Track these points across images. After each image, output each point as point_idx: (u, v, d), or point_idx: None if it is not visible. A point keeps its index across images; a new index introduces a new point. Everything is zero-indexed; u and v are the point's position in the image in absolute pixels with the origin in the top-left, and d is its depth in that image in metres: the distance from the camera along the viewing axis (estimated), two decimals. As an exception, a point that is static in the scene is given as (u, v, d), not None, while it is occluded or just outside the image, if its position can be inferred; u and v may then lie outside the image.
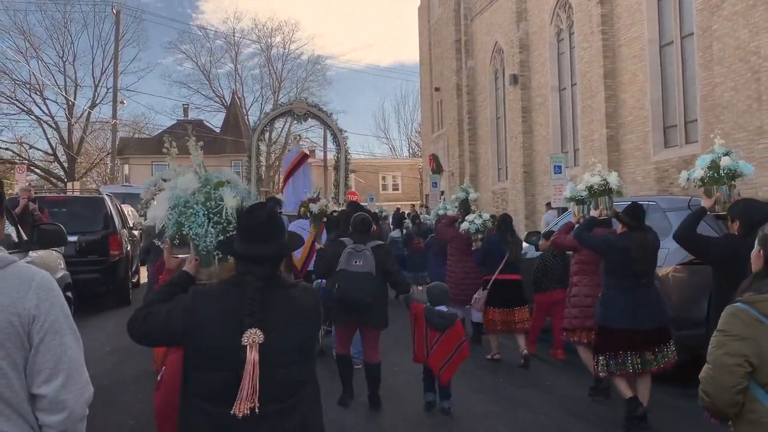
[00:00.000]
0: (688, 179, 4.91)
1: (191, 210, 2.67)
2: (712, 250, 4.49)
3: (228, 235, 2.62)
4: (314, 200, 8.67)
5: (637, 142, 14.98)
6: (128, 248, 11.20)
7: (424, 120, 32.36)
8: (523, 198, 20.36)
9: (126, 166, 43.34)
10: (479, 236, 8.01)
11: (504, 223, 7.66)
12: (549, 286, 7.40)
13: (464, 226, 8.21)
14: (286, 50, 52.08)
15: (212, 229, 2.66)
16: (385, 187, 49.58)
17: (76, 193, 17.66)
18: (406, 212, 18.51)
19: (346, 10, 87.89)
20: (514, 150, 21.25)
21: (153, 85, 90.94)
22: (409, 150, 60.66)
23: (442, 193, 23.82)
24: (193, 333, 2.21)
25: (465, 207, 9.04)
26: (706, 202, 4.71)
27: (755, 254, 2.35)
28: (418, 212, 16.75)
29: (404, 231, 12.32)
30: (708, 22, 12.13)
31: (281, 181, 15.95)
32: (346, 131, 16.71)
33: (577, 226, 5.84)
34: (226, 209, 2.67)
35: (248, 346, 2.13)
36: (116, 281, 10.55)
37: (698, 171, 4.75)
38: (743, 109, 10.40)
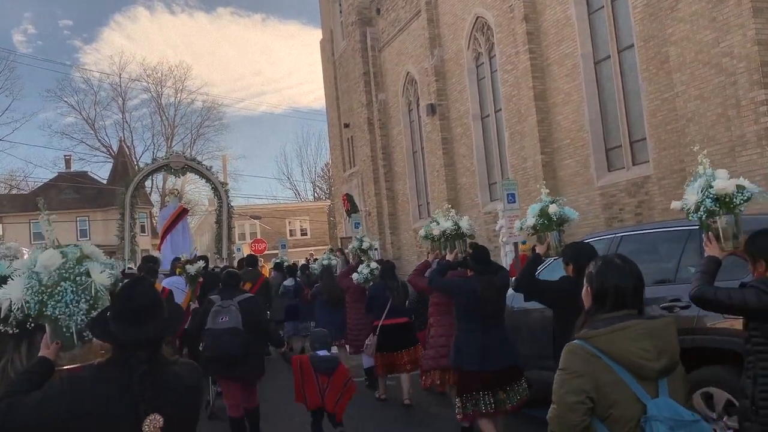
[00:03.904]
0: (521, 228, 5.15)
1: (58, 288, 2.48)
2: (550, 296, 4.62)
3: (96, 312, 2.45)
4: (191, 261, 8.71)
5: (576, 167, 13.73)
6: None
7: (334, 158, 30.50)
8: (450, 235, 18.75)
9: (-1, 225, 38.83)
10: (369, 284, 8.41)
11: (385, 270, 8.06)
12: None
13: (354, 276, 8.72)
14: (179, 96, 49.43)
15: (82, 308, 2.49)
16: (293, 233, 47.05)
17: None
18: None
19: (235, 59, 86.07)
20: (436, 184, 19.73)
21: (32, 137, 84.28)
22: (314, 194, 58.69)
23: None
24: (74, 422, 2.07)
25: (363, 256, 9.51)
26: (540, 249, 4.86)
27: (585, 292, 2.40)
28: (308, 262, 16.61)
29: (297, 279, 12.27)
30: (653, 31, 11.07)
31: (159, 237, 14.69)
32: (226, 185, 16.63)
33: (431, 269, 6.17)
34: (95, 285, 2.53)
35: None
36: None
37: (530, 219, 4.96)
38: (714, 120, 9.20)
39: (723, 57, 8.83)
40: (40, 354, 2.42)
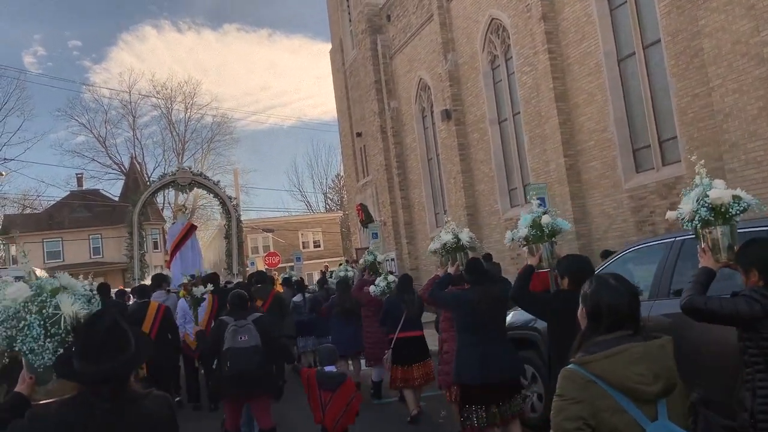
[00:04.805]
0: (513, 240, 5.07)
1: (24, 322, 2.41)
2: (544, 308, 4.55)
3: (66, 347, 2.36)
4: (196, 284, 8.42)
5: (602, 170, 13.20)
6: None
7: (347, 168, 30.10)
8: (469, 243, 18.21)
9: (13, 246, 38.70)
10: (386, 297, 8.35)
11: (402, 283, 8.06)
12: None
13: (371, 289, 8.72)
14: (188, 112, 49.42)
15: (49, 343, 2.40)
16: (306, 245, 46.61)
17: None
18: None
19: (243, 74, 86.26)
20: (453, 191, 19.25)
21: (44, 156, 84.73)
22: (326, 205, 58.30)
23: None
24: None
25: (374, 270, 9.48)
26: (532, 260, 4.81)
27: (580, 313, 2.39)
28: (325, 275, 16.16)
29: (306, 295, 12.05)
30: (681, 24, 10.58)
31: (168, 255, 14.45)
32: (234, 198, 16.34)
33: (435, 283, 6.04)
34: (65, 318, 2.44)
35: None
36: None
37: (522, 230, 4.90)
38: (755, 114, 8.67)
39: (764, 47, 8.32)
40: (15, 389, 2.40)
